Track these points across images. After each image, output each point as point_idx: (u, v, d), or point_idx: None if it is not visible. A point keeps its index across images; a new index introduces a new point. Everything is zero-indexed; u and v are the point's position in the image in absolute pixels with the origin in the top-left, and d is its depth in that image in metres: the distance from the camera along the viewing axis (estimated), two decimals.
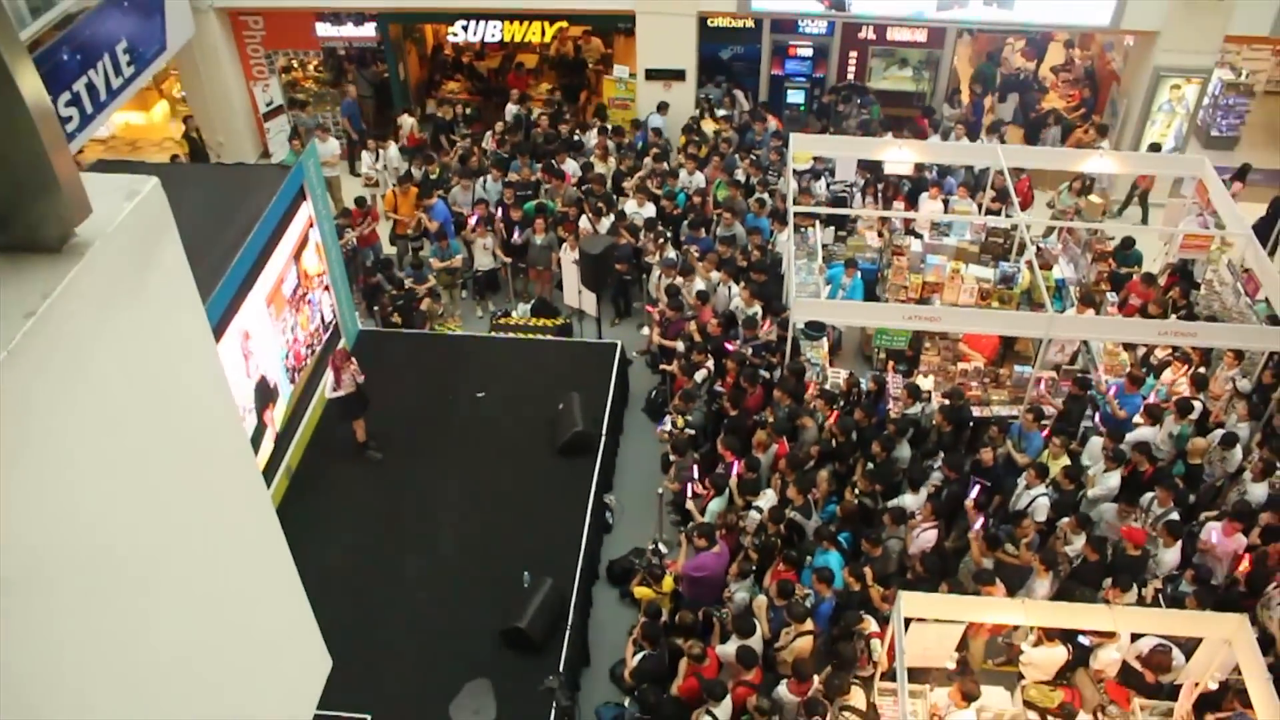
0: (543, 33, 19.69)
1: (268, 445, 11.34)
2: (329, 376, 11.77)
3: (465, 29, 19.10)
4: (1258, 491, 11.15)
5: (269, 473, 11.38)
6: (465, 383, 13.20)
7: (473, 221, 14.90)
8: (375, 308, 14.45)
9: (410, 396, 12.87)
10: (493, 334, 14.38)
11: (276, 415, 11.56)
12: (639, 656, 9.33)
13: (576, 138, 17.65)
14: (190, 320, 2.45)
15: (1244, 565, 10.52)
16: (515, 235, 14.97)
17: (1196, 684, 9.23)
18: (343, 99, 18.95)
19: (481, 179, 15.81)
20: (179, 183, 11.60)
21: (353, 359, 11.80)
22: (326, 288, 12.91)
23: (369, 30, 18.68)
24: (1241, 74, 20.00)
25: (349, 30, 18.74)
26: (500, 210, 15.26)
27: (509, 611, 10.06)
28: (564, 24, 19.91)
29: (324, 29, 18.77)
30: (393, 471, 12.05)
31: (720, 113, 18.31)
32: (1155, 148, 17.88)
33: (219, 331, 9.92)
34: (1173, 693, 9.58)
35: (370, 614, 10.38)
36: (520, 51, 20.94)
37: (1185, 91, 18.03)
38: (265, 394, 11.26)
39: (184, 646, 2.46)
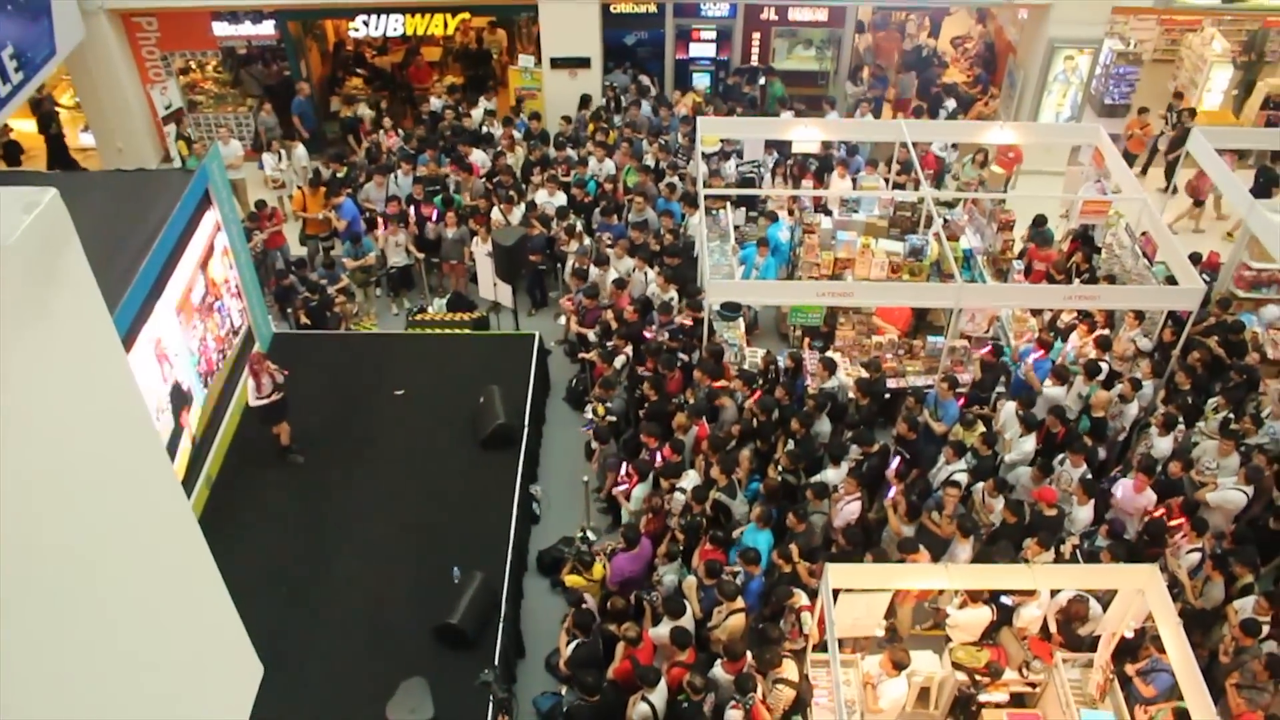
0: (445, 25, 19.52)
1: (184, 450, 11.16)
2: (250, 382, 11.59)
3: (366, 24, 18.86)
4: (1162, 445, 11.54)
5: (189, 483, 11.21)
6: (384, 381, 13.09)
7: (381, 223, 14.76)
8: (289, 310, 14.26)
9: (329, 398, 12.74)
10: (409, 331, 14.27)
11: (192, 420, 11.38)
12: (573, 645, 9.37)
13: (485, 129, 17.56)
14: (97, 331, 2.43)
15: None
16: (427, 230, 14.87)
17: (1114, 634, 9.54)
18: (295, 96, 18.63)
19: (392, 174, 15.67)
20: (79, 191, 11.37)
21: (268, 360, 11.63)
22: (236, 293, 12.70)
23: (268, 28, 18.36)
24: (1130, 43, 20.54)
25: (247, 28, 18.39)
26: (411, 206, 15.14)
27: (441, 608, 10.03)
28: (466, 16, 19.76)
29: (221, 28, 18.41)
30: (316, 475, 11.93)
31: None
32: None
33: (130, 339, 9.74)
34: (1092, 644, 9.90)
35: (301, 619, 10.30)
36: (423, 45, 20.74)
37: (1078, 62, 18.53)
38: (180, 398, 11.08)
39: (107, 657, 2.44)
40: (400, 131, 17.64)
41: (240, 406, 12.44)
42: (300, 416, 12.09)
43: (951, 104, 19.22)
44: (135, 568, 2.59)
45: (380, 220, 14.94)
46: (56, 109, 18.95)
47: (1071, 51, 18.35)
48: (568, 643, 9.46)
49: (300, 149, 16.94)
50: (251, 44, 19.00)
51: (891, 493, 10.89)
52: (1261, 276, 15.01)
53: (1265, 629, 9.58)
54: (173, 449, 10.84)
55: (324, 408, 12.51)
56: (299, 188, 15.66)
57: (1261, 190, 16.17)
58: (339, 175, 15.96)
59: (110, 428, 2.49)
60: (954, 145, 17.43)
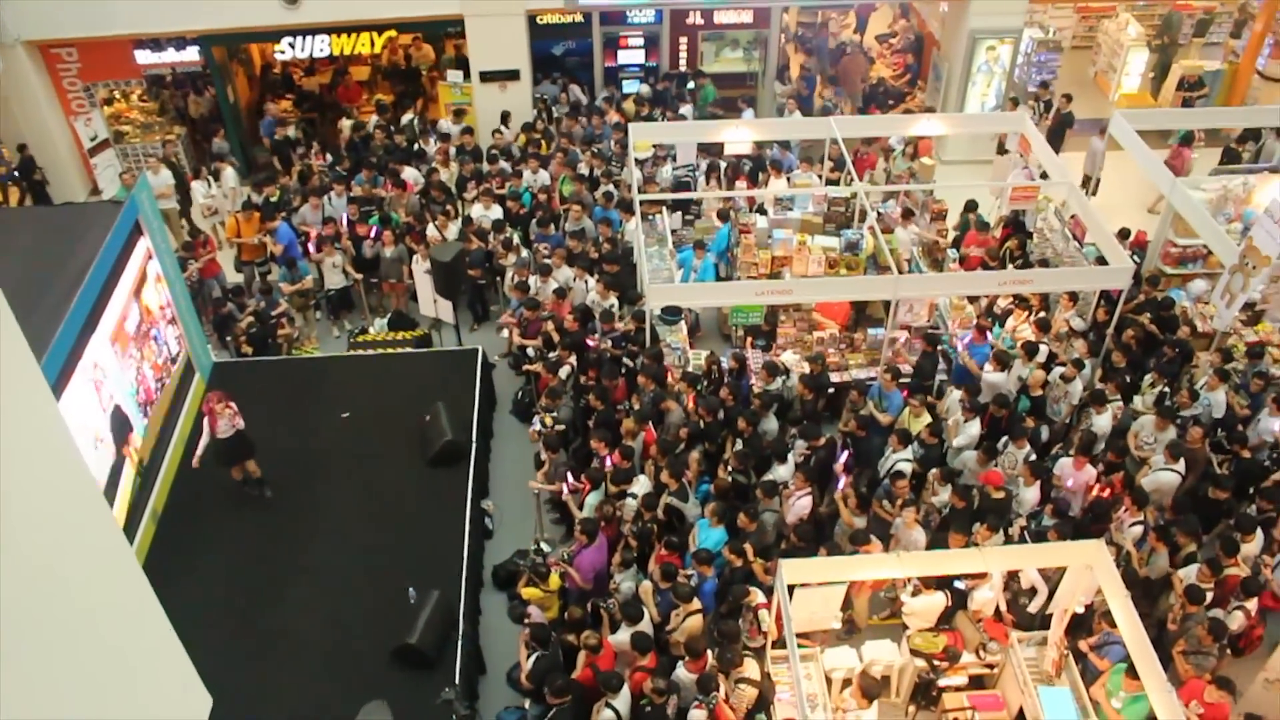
0: (372, 43, 19.43)
1: (128, 480, 11.04)
2: (205, 424, 11.36)
3: (293, 46, 18.71)
4: (1101, 422, 11.76)
5: (135, 516, 11.08)
6: (329, 405, 13.00)
7: (314, 242, 14.64)
8: (228, 339, 14.09)
9: (273, 424, 12.57)
10: (351, 352, 14.15)
11: (134, 450, 11.24)
12: (532, 658, 9.36)
13: (417, 146, 17.51)
14: (21, 374, 2.41)
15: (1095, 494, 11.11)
16: (364, 250, 14.78)
17: (1065, 610, 9.72)
18: (263, 118, 18.43)
19: (326, 196, 15.56)
20: (6, 229, 11.23)
21: (231, 403, 11.36)
22: (171, 319, 12.55)
23: (192, 54, 18.15)
24: (1049, 31, 20.97)
25: (170, 56, 18.18)
26: (347, 226, 15.05)
27: (398, 628, 9.97)
28: (393, 33, 19.68)
29: (144, 56, 18.19)
30: (265, 502, 11.81)
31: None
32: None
33: (67, 372, 9.65)
34: (1045, 622, 10.07)
35: (257, 647, 10.21)
36: (351, 64, 20.62)
37: (1000, 52, 18.85)
38: (121, 428, 10.94)
39: (47, 694, 2.42)
40: (328, 155, 17.51)
41: (184, 438, 12.30)
42: None
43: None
44: (72, 605, 2.57)
45: (315, 241, 14.79)
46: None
47: (993, 42, 18.66)
48: (527, 656, 9.45)
49: (230, 172, 16.76)
50: (175, 70, 18.77)
51: (840, 485, 10.98)
52: (1187, 252, 15.40)
53: (1208, 595, 9.81)
54: (115, 479, 10.72)
55: (269, 434, 12.34)
56: (232, 213, 15.48)
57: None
58: (272, 199, 15.83)
59: (40, 470, 2.47)
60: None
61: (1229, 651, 9.92)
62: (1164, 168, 15.39)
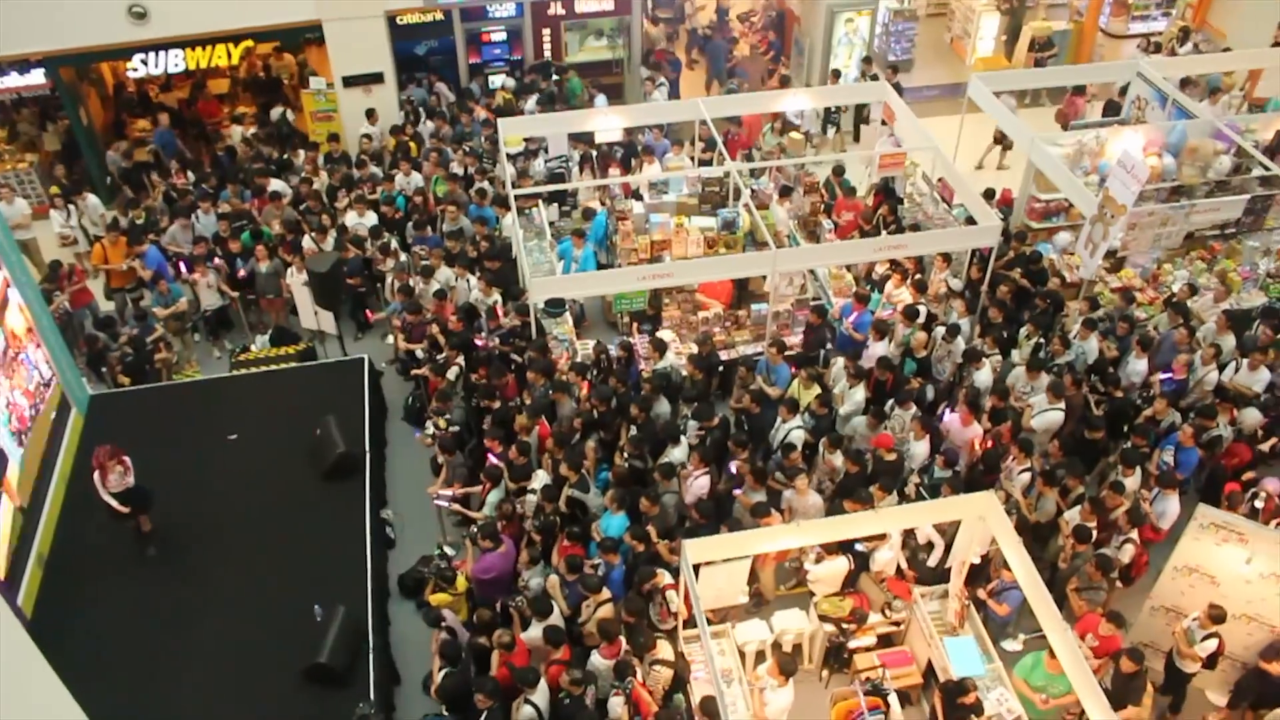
0: (229, 56, 18.94)
1: (8, 517, 10.69)
2: (95, 476, 10.86)
3: (145, 63, 18.11)
4: (981, 377, 12.12)
5: (20, 559, 10.71)
6: (215, 428, 12.67)
7: (186, 262, 14.28)
8: (103, 369, 13.65)
9: (159, 453, 12.17)
10: (234, 372, 13.81)
11: (12, 484, 10.87)
12: (443, 673, 9.29)
13: (284, 157, 17.17)
14: None
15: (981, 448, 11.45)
16: (239, 267, 14.45)
17: (963, 562, 10.00)
18: (155, 129, 17.87)
19: (194, 214, 15.14)
20: None
21: (124, 458, 10.88)
22: (39, 343, 12.10)
23: (38, 77, 17.46)
24: (904, 1, 21.40)
25: (14, 80, 17.46)
26: (218, 244, 14.68)
27: (307, 648, 9.80)
28: (250, 43, 19.20)
29: None
30: (158, 534, 11.40)
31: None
32: (836, 74, 19.04)
33: None
34: (945, 575, 10.36)
35: (162, 682, 9.95)
36: (210, 78, 20.08)
37: (858, 23, 19.23)
38: None
39: None
40: (190, 173, 17.03)
41: (64, 477, 11.91)
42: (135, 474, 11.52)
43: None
44: None
45: (187, 261, 14.39)
46: None
47: (851, 14, 19.03)
48: (439, 669, 9.37)
49: (92, 199, 16.22)
50: (20, 95, 18.07)
51: (733, 466, 11.10)
52: (1050, 206, 15.93)
53: (1093, 533, 10.21)
54: None
55: (156, 463, 11.97)
56: (96, 240, 14.96)
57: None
58: (138, 222, 15.34)
59: None
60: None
61: (1119, 582, 10.34)
62: (1022, 126, 15.91)
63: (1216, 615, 9.42)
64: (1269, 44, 19.87)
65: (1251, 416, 11.62)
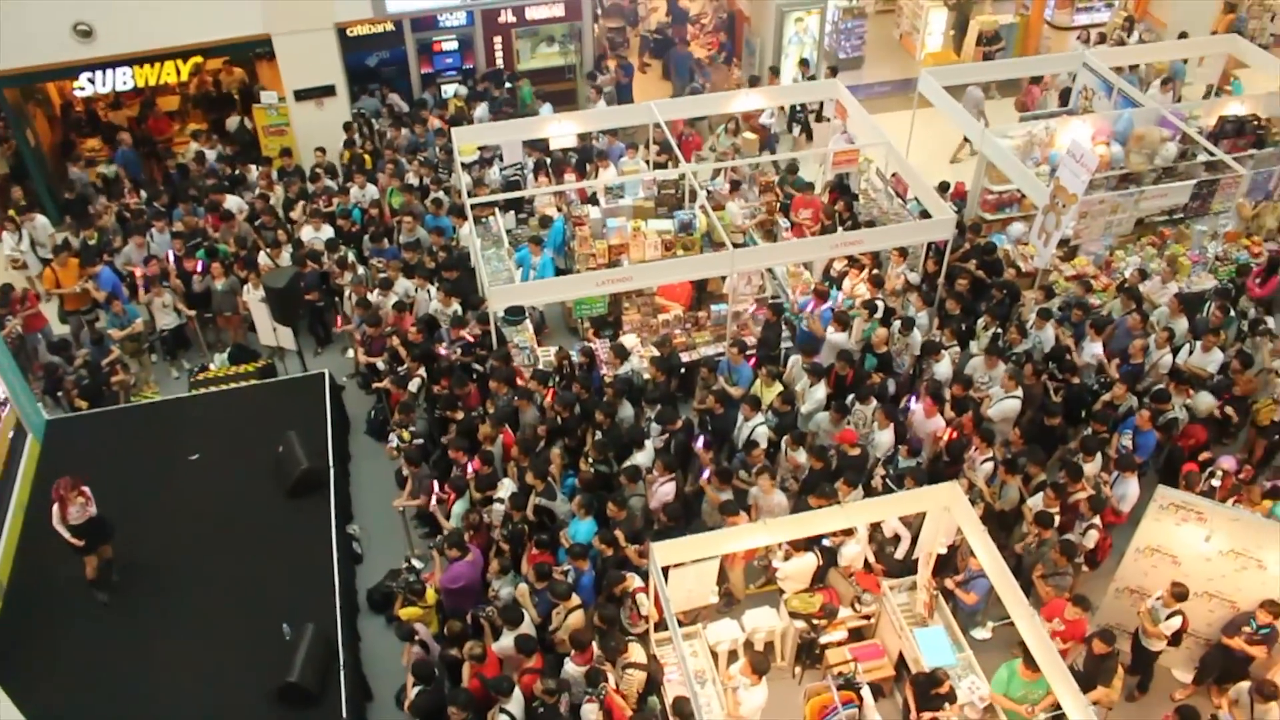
0: (178, 72, 18.77)
1: None
2: (54, 509, 10.67)
3: (93, 81, 17.90)
4: (941, 369, 12.23)
5: None
6: (176, 449, 12.55)
7: (140, 281, 14.10)
8: (59, 394, 13.48)
9: (120, 476, 12.07)
10: (194, 392, 13.68)
11: None
12: (416, 690, 9.24)
13: (237, 172, 17.04)
14: None
15: (945, 439, 11.54)
16: (195, 285, 14.31)
17: (930, 553, 10.08)
18: (115, 149, 17.61)
19: (148, 233, 14.98)
20: None
21: (84, 490, 10.68)
22: None
23: None
24: None
25: None
26: (174, 262, 14.53)
27: (277, 668, 9.72)
28: (199, 59, 19.04)
29: None
30: (123, 557, 11.25)
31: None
32: (804, 63, 19.18)
33: None
34: (913, 567, 10.44)
35: (130, 711, 9.85)
36: (159, 95, 19.88)
37: (808, 23, 19.33)
38: None
39: None
40: (143, 192, 16.84)
41: (22, 504, 11.76)
42: (96, 500, 11.36)
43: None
44: None
45: (142, 281, 14.21)
46: None
47: (800, 13, 19.12)
48: (413, 685, 9.32)
49: (41, 220, 16.00)
50: None
51: (705, 475, 11.12)
52: (1003, 198, 16.10)
53: (1056, 519, 10.33)
54: None
55: (116, 487, 11.85)
56: (45, 263, 14.76)
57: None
58: (90, 243, 15.16)
59: None
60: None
61: (1085, 566, 10.47)
62: (973, 120, 16.07)
63: (1179, 593, 9.59)
64: (1209, 32, 20.28)
65: (1205, 400, 11.80)
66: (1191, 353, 12.43)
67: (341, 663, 10.09)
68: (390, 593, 11.03)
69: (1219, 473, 10.97)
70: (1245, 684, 9.32)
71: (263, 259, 14.31)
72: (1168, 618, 9.72)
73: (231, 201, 15.69)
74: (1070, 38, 22.61)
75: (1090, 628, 9.76)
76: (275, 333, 13.78)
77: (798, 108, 18.96)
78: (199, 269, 14.30)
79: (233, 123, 18.62)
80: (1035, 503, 10.56)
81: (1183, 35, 19.85)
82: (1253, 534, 9.61)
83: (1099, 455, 11.13)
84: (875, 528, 10.67)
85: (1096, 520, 10.46)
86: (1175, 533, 9.82)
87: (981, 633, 10.69)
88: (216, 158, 17.73)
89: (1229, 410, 11.94)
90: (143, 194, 16.72)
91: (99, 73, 17.64)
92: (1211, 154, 14.90)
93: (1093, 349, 12.45)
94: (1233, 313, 13.11)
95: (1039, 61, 19.67)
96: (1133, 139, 15.62)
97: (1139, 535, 10.05)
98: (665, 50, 21.74)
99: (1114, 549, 10.84)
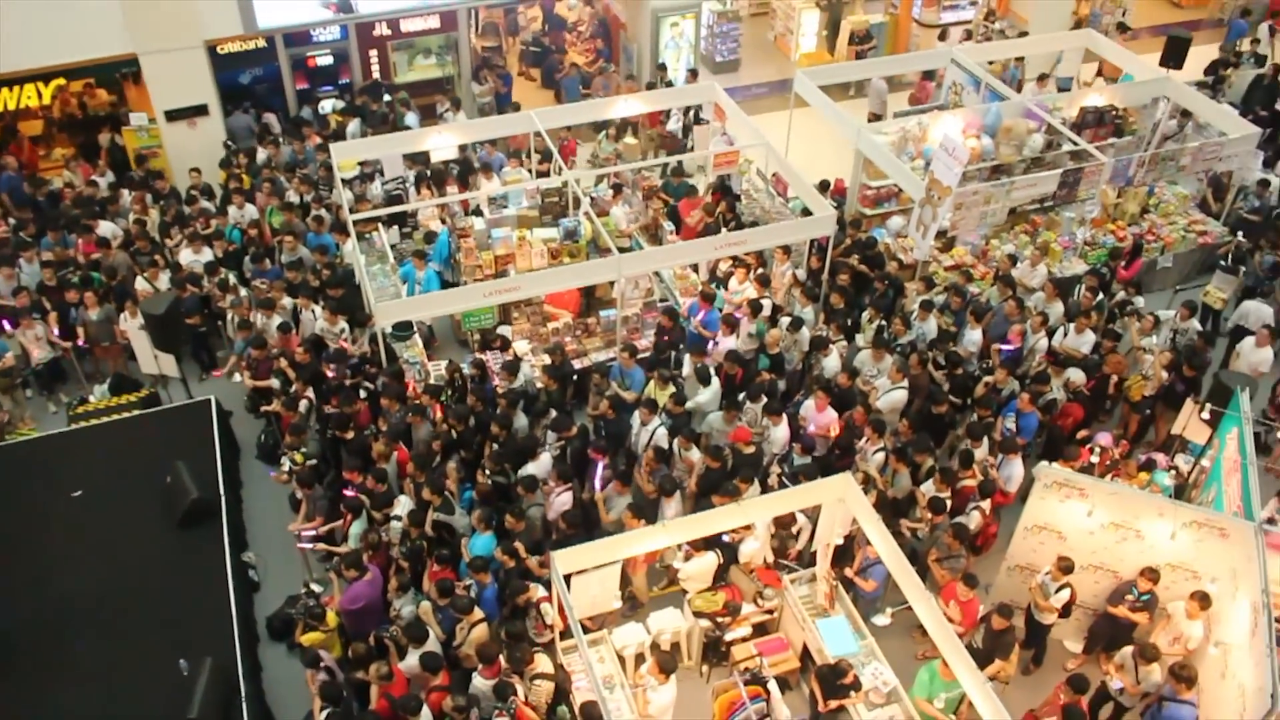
0: (40, 95, 18.14)
1: None
2: None
3: None
4: (829, 364, 12.48)
5: None
6: (58, 486, 12.12)
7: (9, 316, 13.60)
8: None
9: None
10: (74, 426, 13.22)
11: None
12: (324, 714, 9.09)
13: (110, 196, 16.52)
14: None
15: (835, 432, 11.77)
16: (72, 315, 13.82)
17: (827, 544, 10.27)
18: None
19: (16, 264, 14.41)
20: None
21: None
22: None
23: None
24: (727, 3, 21.83)
25: None
26: (44, 293, 14.01)
27: (175, 706, 9.40)
28: (61, 81, 18.43)
29: None
30: (7, 602, 10.85)
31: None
32: (662, 67, 19.36)
33: None
34: (812, 559, 10.62)
35: None
36: (20, 120, 19.16)
37: (684, 27, 19.52)
38: None
39: None
40: (9, 221, 16.22)
41: None
42: None
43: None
44: None
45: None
46: None
47: (675, 18, 19.30)
48: (320, 709, 9.17)
49: None
50: None
51: (603, 488, 11.15)
52: (881, 193, 16.49)
53: (948, 504, 10.61)
54: None
55: None
56: None
57: None
58: None
59: None
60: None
61: (967, 552, 10.78)
62: (849, 118, 16.42)
63: (1066, 567, 9.96)
64: (1067, 27, 21.07)
65: (1075, 376, 12.26)
66: (1066, 335, 12.88)
67: (243, 695, 9.86)
68: (290, 619, 10.84)
69: (1097, 448, 11.41)
70: (1129, 648, 9.68)
71: (141, 284, 13.90)
72: (1057, 591, 10.08)
73: (105, 228, 15.20)
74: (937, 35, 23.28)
75: (984, 606, 10.05)
76: (157, 360, 13.42)
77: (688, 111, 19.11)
78: (80, 300, 13.82)
79: (105, 139, 17.96)
80: (928, 489, 10.83)
81: (1023, 34, 20.74)
82: (1131, 506, 10.02)
83: (985, 439, 11.46)
84: (780, 522, 10.78)
85: (984, 505, 10.75)
86: (1059, 509, 10.18)
87: (881, 619, 10.91)
88: (108, 185, 17.14)
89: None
90: (10, 222, 16.09)
91: None
92: (1075, 144, 15.47)
93: (973, 335, 12.83)
94: (1101, 296, 13.63)
95: (909, 59, 20.17)
96: (1001, 131, 16.14)
97: (1026, 514, 10.38)
98: (543, 60, 21.76)
99: (1003, 528, 11.17)
